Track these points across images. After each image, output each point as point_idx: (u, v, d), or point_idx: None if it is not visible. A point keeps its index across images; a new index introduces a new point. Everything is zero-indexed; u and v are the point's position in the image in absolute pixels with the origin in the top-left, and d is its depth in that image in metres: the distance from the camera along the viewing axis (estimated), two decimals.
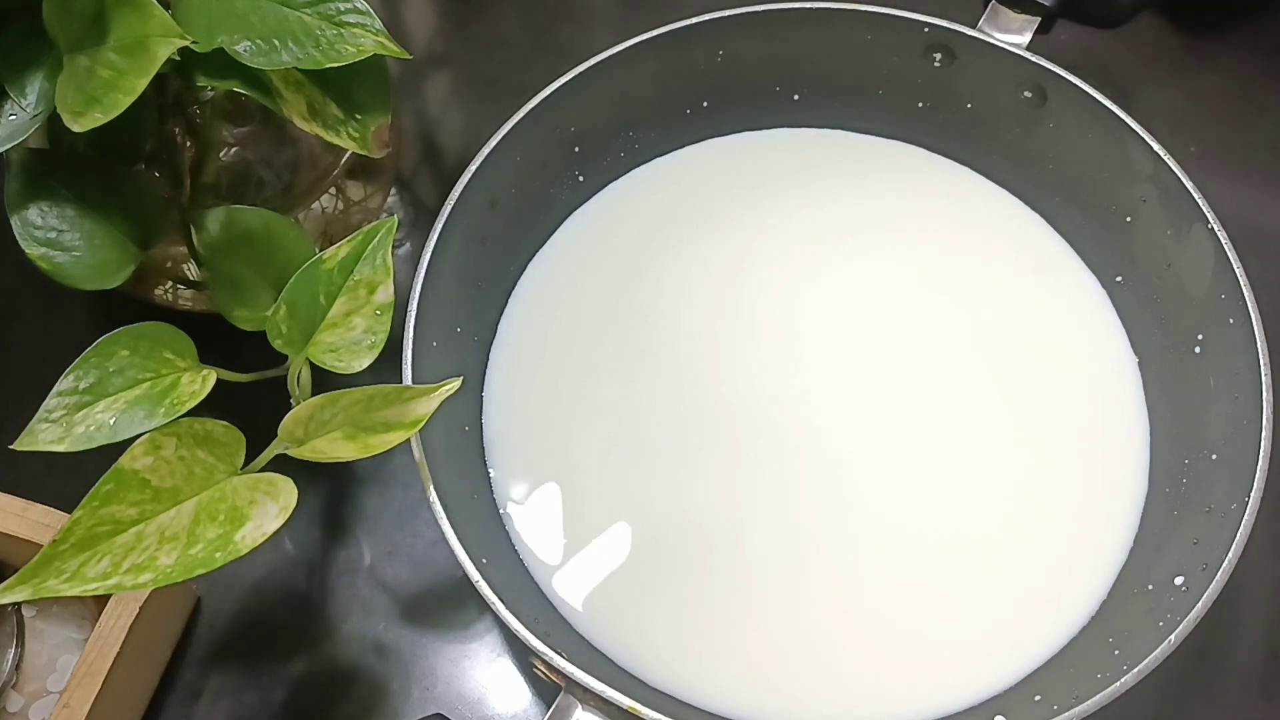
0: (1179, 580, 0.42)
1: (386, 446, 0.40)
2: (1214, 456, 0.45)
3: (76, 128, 0.38)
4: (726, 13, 0.51)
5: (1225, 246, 0.45)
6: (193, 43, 0.39)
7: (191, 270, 0.53)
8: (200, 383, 0.42)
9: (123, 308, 0.49)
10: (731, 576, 0.47)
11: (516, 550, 0.48)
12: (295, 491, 0.39)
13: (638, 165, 0.56)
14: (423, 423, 0.41)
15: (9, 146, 0.41)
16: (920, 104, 0.54)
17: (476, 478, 0.49)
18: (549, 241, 0.55)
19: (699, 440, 0.49)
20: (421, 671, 0.49)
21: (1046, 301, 0.52)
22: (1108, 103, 0.48)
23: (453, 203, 0.47)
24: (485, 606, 0.40)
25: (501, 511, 0.48)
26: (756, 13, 0.52)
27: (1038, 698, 0.43)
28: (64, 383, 0.41)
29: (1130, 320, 0.51)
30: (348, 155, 0.55)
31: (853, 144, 0.57)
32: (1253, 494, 0.41)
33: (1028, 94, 0.51)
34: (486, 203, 0.50)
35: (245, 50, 0.41)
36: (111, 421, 0.41)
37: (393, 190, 0.60)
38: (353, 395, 0.40)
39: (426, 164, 0.64)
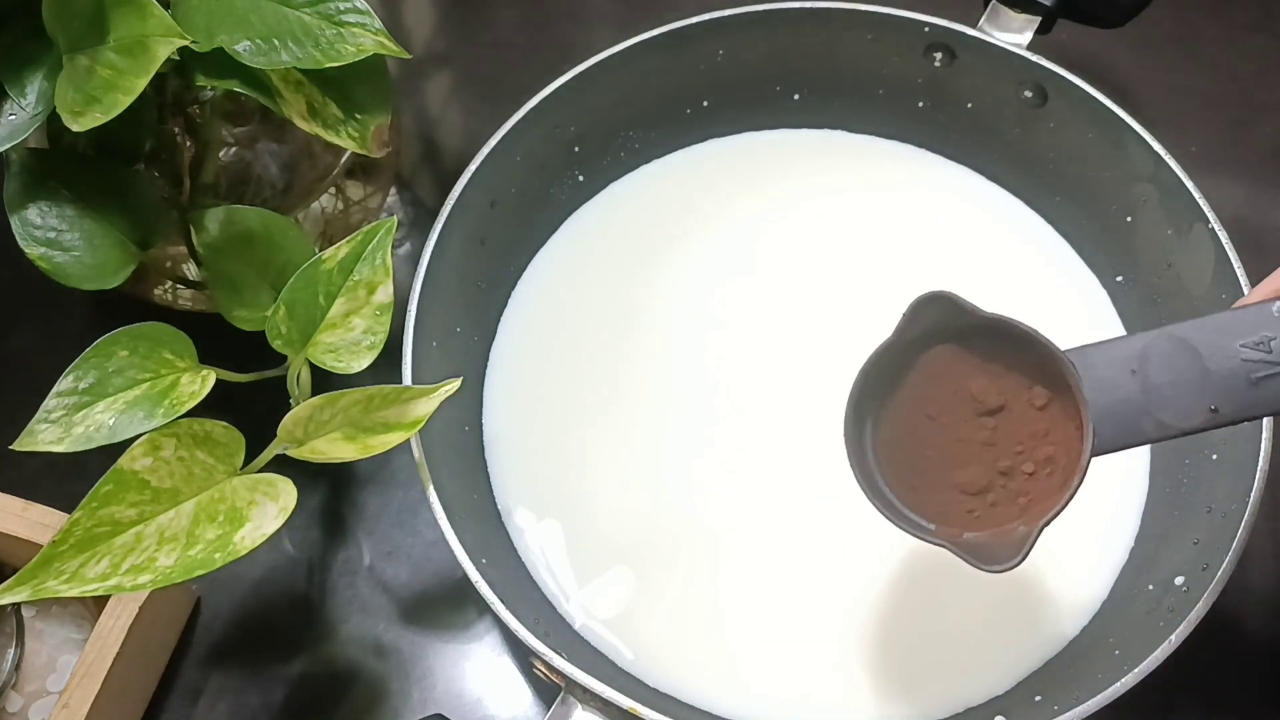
0: (1179, 580, 0.42)
1: (386, 447, 0.40)
2: (1214, 456, 0.45)
3: (76, 127, 0.38)
4: (726, 13, 0.51)
5: (1225, 246, 0.45)
6: (192, 42, 0.39)
7: (191, 270, 0.53)
8: (200, 383, 0.42)
9: (123, 308, 0.49)
10: (732, 577, 0.47)
11: (516, 550, 0.48)
12: (295, 492, 0.39)
13: (638, 165, 0.56)
14: (422, 423, 0.41)
15: (9, 146, 0.41)
16: (920, 104, 0.54)
17: (476, 478, 0.49)
18: (549, 241, 0.55)
19: (699, 439, 0.49)
20: (421, 672, 0.49)
21: (1046, 301, 0.52)
22: (1108, 102, 0.48)
23: (453, 203, 0.47)
24: (485, 606, 0.40)
25: (501, 511, 0.48)
26: (756, 13, 0.52)
27: (1038, 698, 0.43)
28: (64, 383, 0.41)
29: (1130, 320, 0.51)
30: (347, 155, 0.55)
31: (853, 144, 0.57)
32: (1253, 494, 0.41)
33: (1028, 94, 0.51)
34: (486, 203, 0.50)
35: (245, 50, 0.41)
36: (111, 422, 0.41)
37: (393, 190, 0.60)
38: (352, 395, 0.40)
39: (426, 164, 0.63)
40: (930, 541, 0.34)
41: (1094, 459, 0.33)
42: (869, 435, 0.35)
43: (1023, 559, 0.32)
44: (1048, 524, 0.33)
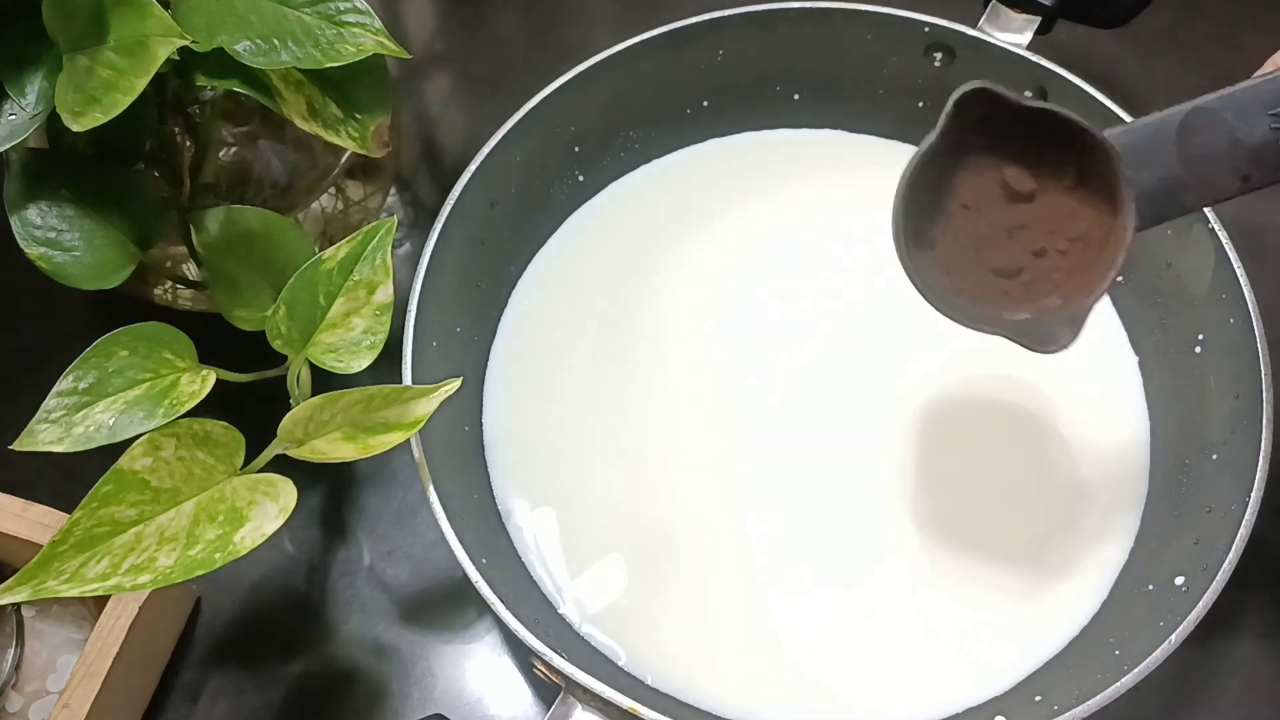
0: (1179, 580, 0.42)
1: (386, 447, 0.40)
2: (1214, 456, 0.45)
3: (76, 127, 0.38)
4: (726, 13, 0.51)
5: (1225, 246, 0.45)
6: (192, 42, 0.39)
7: (191, 270, 0.53)
8: (200, 383, 0.42)
9: (123, 308, 0.49)
10: (731, 577, 0.47)
11: (516, 550, 0.48)
12: (295, 492, 0.39)
13: (638, 165, 0.56)
14: (422, 423, 0.41)
15: (9, 146, 0.41)
16: (920, 104, 0.54)
17: (476, 478, 0.49)
18: (549, 241, 0.55)
19: (699, 439, 0.49)
20: (421, 672, 0.49)
21: None
22: (1108, 102, 0.48)
23: (453, 203, 0.47)
24: (485, 606, 0.40)
25: (501, 511, 0.48)
26: (756, 13, 0.52)
27: (1038, 698, 0.43)
28: (64, 383, 0.41)
29: (1130, 320, 0.51)
30: (348, 155, 0.55)
31: (853, 144, 0.57)
32: (1253, 494, 0.41)
33: (1028, 94, 0.51)
34: (486, 203, 0.50)
35: (245, 50, 0.41)
36: (111, 422, 0.41)
37: (393, 190, 0.60)
38: (352, 396, 0.40)
39: (426, 164, 0.63)
40: (979, 328, 0.35)
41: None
42: (909, 231, 0.36)
43: (1075, 338, 0.35)
44: (1096, 300, 0.35)
